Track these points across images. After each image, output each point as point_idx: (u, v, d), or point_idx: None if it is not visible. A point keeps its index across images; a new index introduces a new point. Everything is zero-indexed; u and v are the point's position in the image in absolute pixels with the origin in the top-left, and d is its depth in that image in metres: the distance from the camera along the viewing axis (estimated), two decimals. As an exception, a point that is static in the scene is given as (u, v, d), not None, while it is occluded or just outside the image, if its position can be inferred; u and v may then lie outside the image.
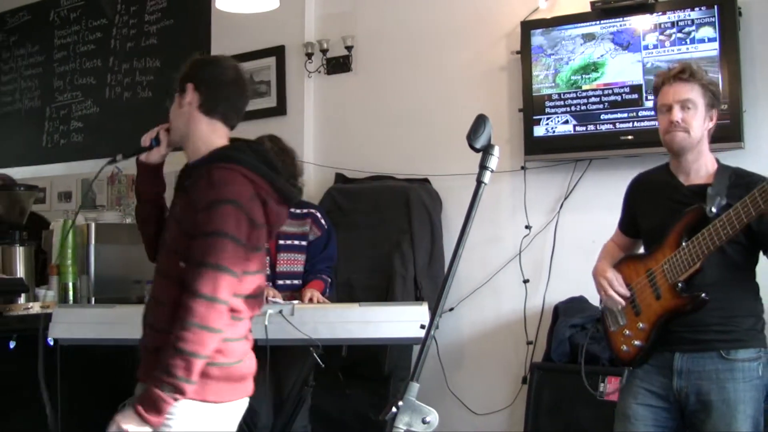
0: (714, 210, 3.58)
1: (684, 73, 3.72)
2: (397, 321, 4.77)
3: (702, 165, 3.78)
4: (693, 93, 3.70)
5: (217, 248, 3.10)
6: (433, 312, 2.56)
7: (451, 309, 6.09)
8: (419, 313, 4.76)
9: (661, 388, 3.74)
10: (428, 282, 6.00)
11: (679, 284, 3.64)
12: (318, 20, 7.02)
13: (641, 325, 3.77)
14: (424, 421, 2.50)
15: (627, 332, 3.84)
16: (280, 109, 7.08)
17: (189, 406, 3.12)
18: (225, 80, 3.48)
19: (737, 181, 3.68)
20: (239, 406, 3.40)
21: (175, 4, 8.31)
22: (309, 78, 6.97)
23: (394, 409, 2.50)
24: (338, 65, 6.87)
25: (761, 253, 3.73)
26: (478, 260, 5.96)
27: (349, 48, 6.77)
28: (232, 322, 3.24)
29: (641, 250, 4.07)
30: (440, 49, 6.40)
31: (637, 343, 3.79)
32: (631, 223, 4.06)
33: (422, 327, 4.61)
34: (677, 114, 3.68)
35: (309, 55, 6.88)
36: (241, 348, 3.33)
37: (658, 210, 3.84)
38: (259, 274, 3.40)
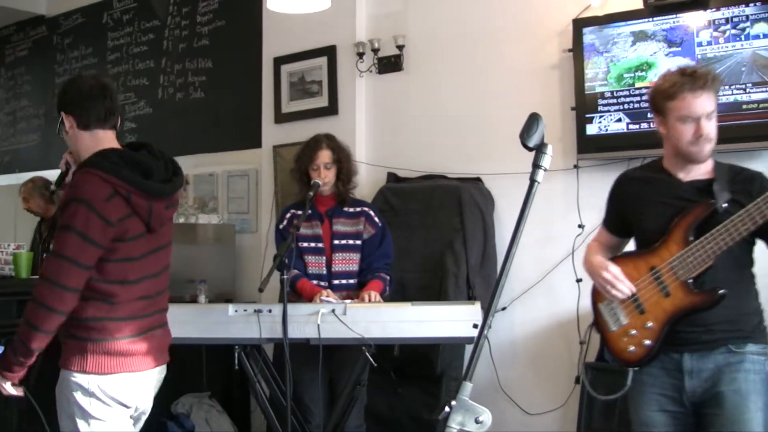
0: (724, 205, 3.60)
1: (707, 82, 3.66)
2: (450, 320, 4.78)
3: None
4: (713, 102, 3.69)
5: (64, 241, 3.55)
6: (487, 311, 2.55)
7: (504, 308, 6.08)
8: (472, 312, 4.77)
9: (673, 391, 3.72)
10: (481, 281, 5.99)
11: (689, 281, 3.63)
12: (369, 20, 7.02)
13: (649, 323, 3.72)
14: (477, 421, 2.50)
15: (633, 332, 3.78)
16: (331, 109, 7.08)
17: (78, 378, 3.63)
18: (84, 94, 3.87)
19: (736, 176, 3.72)
20: (131, 379, 3.76)
21: (226, 5, 8.35)
22: (360, 78, 6.97)
23: (447, 409, 2.50)
24: (390, 65, 6.87)
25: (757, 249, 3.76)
26: (531, 259, 5.94)
27: (400, 47, 6.77)
28: (104, 305, 3.66)
29: (626, 249, 4.08)
30: (492, 47, 6.38)
31: (647, 342, 3.74)
32: (620, 221, 4.03)
33: (475, 326, 4.62)
34: (707, 127, 3.65)
35: (360, 55, 6.88)
36: (124, 327, 3.71)
37: (656, 207, 3.80)
38: (135, 262, 3.77)
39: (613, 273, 3.76)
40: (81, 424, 3.65)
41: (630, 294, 3.75)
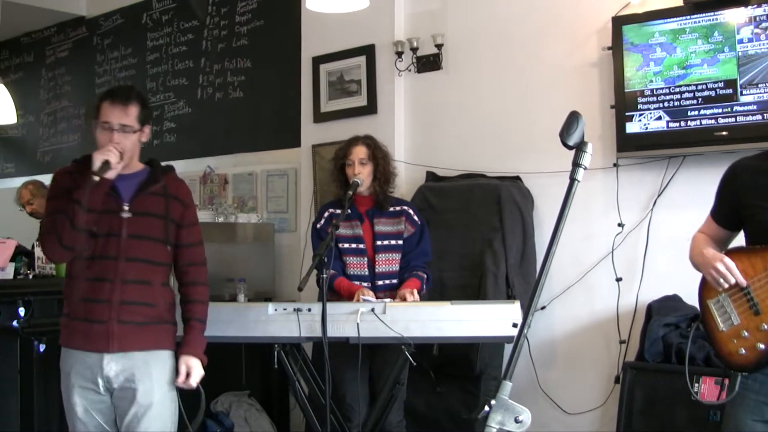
0: None
1: None
2: (489, 319, 4.76)
3: None
4: None
5: (200, 232, 4.46)
6: (526, 310, 2.55)
7: (543, 307, 6.06)
8: (511, 311, 4.75)
9: None
10: (520, 280, 5.97)
11: None
12: (408, 19, 7.02)
13: (765, 326, 3.48)
14: (516, 420, 2.50)
15: (745, 333, 3.53)
16: (370, 108, 7.08)
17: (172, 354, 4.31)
18: None
19: None
20: None
21: (265, 5, 8.37)
22: (399, 76, 6.97)
23: (486, 408, 2.50)
24: (428, 63, 6.87)
25: None
26: (571, 258, 5.91)
27: (439, 46, 6.75)
28: None
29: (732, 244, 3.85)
30: (530, 45, 6.36)
31: (761, 346, 3.48)
32: (732, 213, 3.75)
33: (514, 325, 4.61)
34: None
35: (399, 54, 6.87)
36: None
37: None
38: None
39: (727, 265, 3.54)
40: (174, 393, 4.28)
41: (743, 281, 3.53)
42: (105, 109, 4.18)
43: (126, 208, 4.19)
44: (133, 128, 4.21)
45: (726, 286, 3.56)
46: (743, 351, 3.54)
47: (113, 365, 4.12)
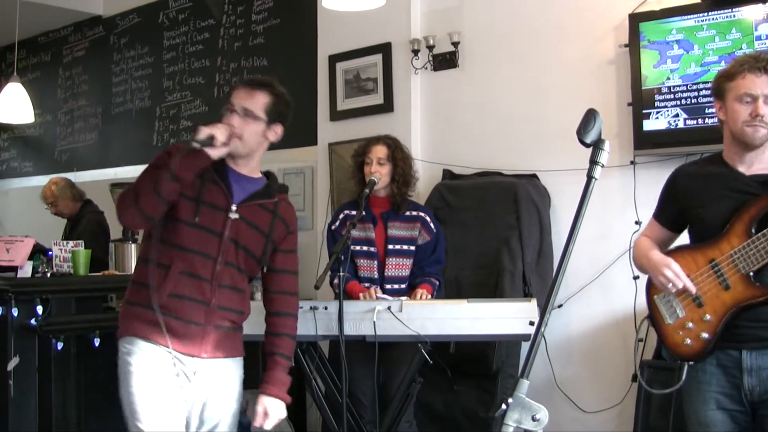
0: None
1: None
2: (506, 317, 4.76)
3: (766, 155, 3.69)
4: None
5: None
6: (544, 308, 2.54)
7: (560, 306, 6.05)
8: (528, 309, 4.75)
9: (732, 389, 3.62)
10: (537, 278, 5.96)
11: (750, 275, 3.55)
12: (424, 17, 7.01)
13: (708, 316, 3.64)
14: (534, 419, 2.49)
15: (690, 325, 3.70)
16: (387, 106, 7.08)
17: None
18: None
19: None
20: None
21: (281, 4, 8.38)
22: (416, 74, 6.96)
23: (504, 406, 2.49)
24: (445, 61, 6.86)
25: None
26: (587, 256, 5.90)
27: (455, 44, 6.75)
28: None
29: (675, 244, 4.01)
30: (547, 43, 6.35)
31: (704, 335, 3.65)
32: (676, 216, 3.95)
33: (531, 323, 4.60)
34: (763, 108, 3.59)
35: (415, 52, 6.87)
36: None
37: (716, 201, 3.70)
38: None
39: (675, 271, 3.68)
40: (238, 405, 4.11)
41: (693, 293, 3.68)
42: (234, 91, 4.02)
43: (234, 208, 3.96)
44: (254, 114, 3.94)
45: (674, 291, 3.72)
46: (689, 341, 3.71)
47: (200, 374, 3.90)
